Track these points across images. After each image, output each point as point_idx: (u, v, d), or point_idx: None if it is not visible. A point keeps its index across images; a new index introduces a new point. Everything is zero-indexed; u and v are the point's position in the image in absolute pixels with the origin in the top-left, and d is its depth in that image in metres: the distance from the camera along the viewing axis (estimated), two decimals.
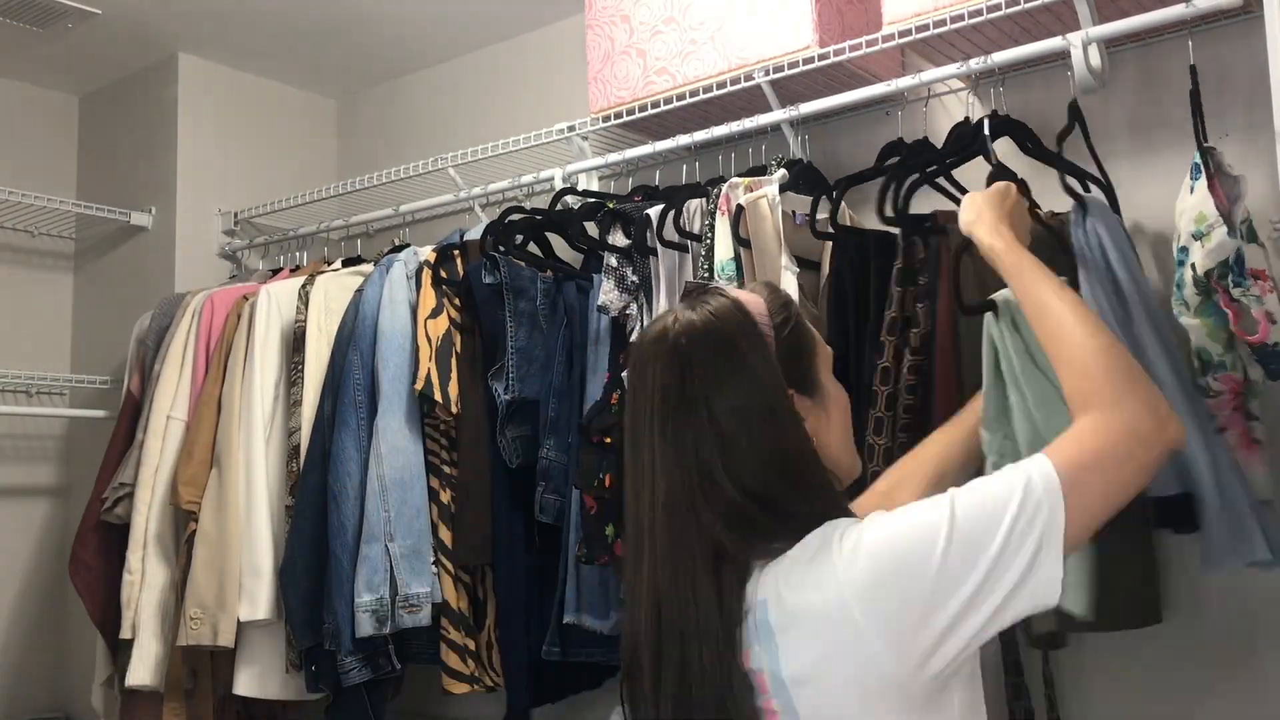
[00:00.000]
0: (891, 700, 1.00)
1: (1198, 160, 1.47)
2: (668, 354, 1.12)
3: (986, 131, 1.70)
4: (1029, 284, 1.21)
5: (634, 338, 1.21)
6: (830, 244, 1.84)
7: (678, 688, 1.06)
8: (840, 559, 1.01)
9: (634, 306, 1.99)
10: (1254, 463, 1.52)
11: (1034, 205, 1.49)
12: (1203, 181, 1.44)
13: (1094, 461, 1.03)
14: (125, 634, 2.34)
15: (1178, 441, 1.09)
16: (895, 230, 1.81)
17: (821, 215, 1.90)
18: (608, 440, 1.94)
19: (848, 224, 1.91)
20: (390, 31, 2.85)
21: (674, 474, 1.09)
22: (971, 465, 1.42)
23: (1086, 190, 1.66)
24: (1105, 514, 1.04)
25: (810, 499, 1.10)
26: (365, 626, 2.06)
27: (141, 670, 2.31)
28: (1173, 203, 1.57)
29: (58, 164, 3.18)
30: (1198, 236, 1.41)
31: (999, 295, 1.43)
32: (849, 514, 1.11)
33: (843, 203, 1.89)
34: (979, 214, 1.31)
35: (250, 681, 2.25)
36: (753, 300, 1.16)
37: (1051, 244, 1.51)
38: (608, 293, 1.99)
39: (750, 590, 1.05)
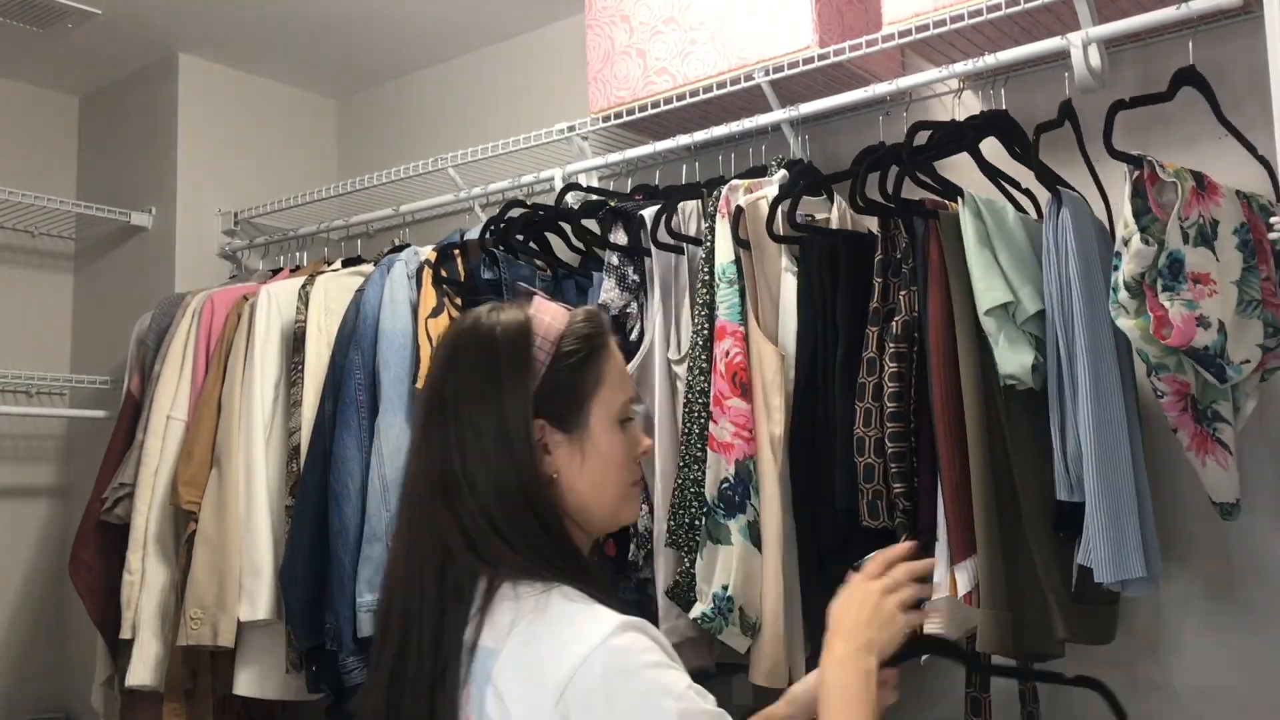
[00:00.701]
0: None
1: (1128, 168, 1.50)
2: (448, 348, 1.17)
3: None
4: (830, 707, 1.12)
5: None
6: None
7: (394, 661, 1.10)
8: (564, 682, 0.99)
9: (634, 305, 1.99)
10: (1212, 465, 1.53)
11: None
12: (1128, 189, 1.46)
13: None
14: (125, 634, 2.34)
15: None
16: (867, 228, 1.81)
17: (822, 215, 1.90)
18: None
19: (849, 225, 1.90)
20: (390, 31, 2.85)
21: (421, 466, 1.14)
22: None
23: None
24: None
25: (534, 535, 1.09)
26: (367, 626, 2.06)
27: (141, 670, 2.31)
28: None
29: (58, 164, 3.18)
30: (1126, 242, 1.46)
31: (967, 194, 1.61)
32: (581, 569, 1.11)
33: (842, 202, 1.89)
34: (837, 625, 1.17)
35: (250, 681, 2.25)
36: (548, 322, 1.16)
37: None
38: (609, 291, 1.99)
39: (481, 614, 1.06)
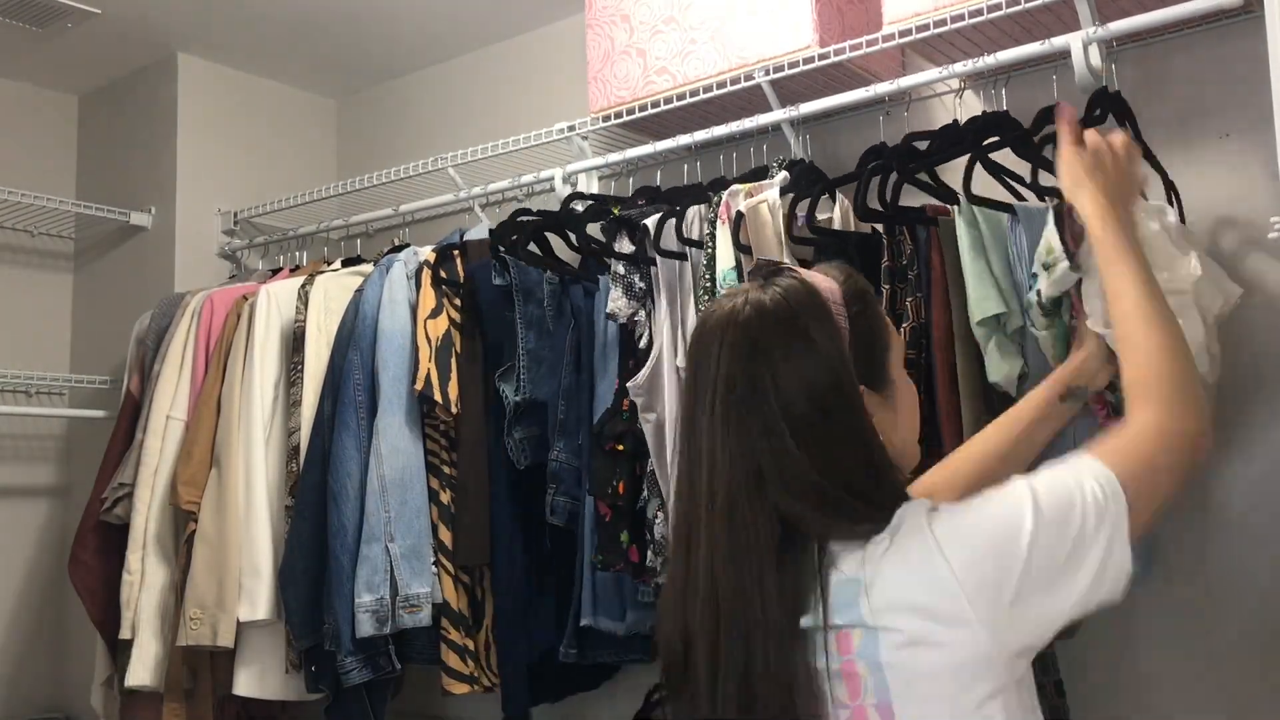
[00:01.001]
0: (980, 673, 1.00)
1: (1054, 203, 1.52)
2: (735, 336, 1.08)
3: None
4: (1110, 262, 1.20)
5: (699, 319, 1.16)
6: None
7: (740, 684, 1.03)
8: (937, 543, 1.00)
9: (642, 313, 1.99)
10: None
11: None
12: (1051, 216, 1.48)
13: (1148, 461, 1.06)
14: (125, 634, 2.35)
15: (1208, 451, 1.11)
16: (872, 228, 1.81)
17: (823, 216, 1.90)
18: (620, 447, 1.94)
19: (852, 226, 1.90)
20: (390, 31, 2.85)
21: (737, 461, 1.05)
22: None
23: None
24: (1155, 511, 1.06)
25: (884, 484, 1.07)
26: (365, 627, 2.06)
27: (141, 670, 2.31)
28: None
29: (57, 164, 3.18)
30: (1046, 266, 1.47)
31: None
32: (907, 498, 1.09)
33: (845, 202, 1.89)
34: (1078, 180, 1.28)
35: (250, 681, 2.26)
36: (825, 284, 1.12)
37: None
38: (616, 300, 1.99)
39: (834, 576, 1.03)
